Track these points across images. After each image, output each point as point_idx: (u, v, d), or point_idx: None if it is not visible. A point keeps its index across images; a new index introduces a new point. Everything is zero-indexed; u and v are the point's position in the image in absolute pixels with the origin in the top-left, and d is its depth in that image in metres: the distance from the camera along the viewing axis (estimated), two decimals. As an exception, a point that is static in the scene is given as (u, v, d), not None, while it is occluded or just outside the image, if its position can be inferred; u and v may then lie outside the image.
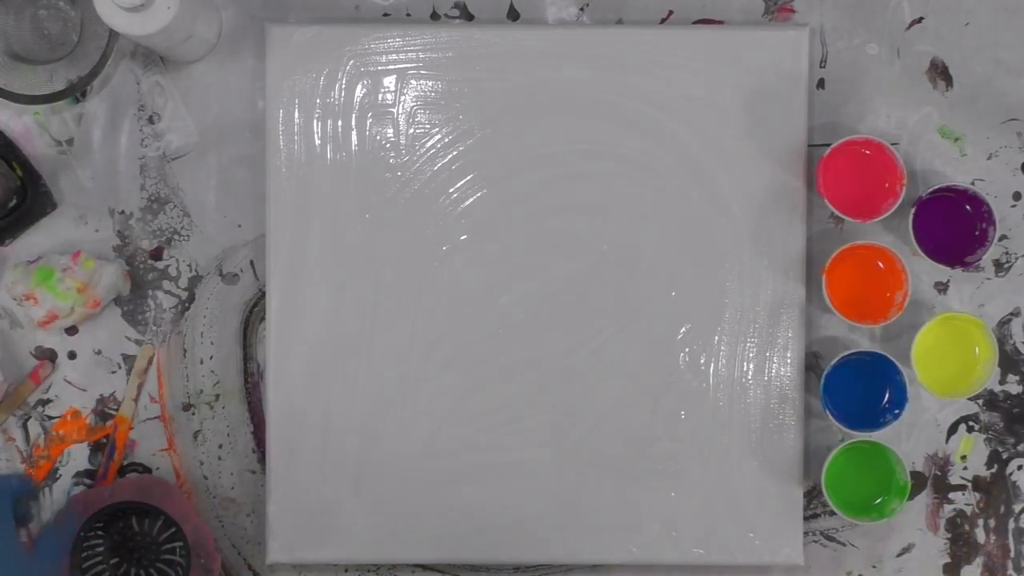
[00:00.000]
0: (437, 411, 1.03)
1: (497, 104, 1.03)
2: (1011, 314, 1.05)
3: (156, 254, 1.05)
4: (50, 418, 1.05)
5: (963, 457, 1.05)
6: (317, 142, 1.03)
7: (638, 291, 1.02)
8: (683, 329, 1.03)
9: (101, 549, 1.03)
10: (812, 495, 1.05)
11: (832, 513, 1.03)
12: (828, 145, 1.01)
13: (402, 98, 1.03)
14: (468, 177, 1.03)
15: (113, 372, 1.05)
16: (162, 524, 1.03)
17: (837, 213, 1.00)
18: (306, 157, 1.03)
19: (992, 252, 1.01)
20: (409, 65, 1.03)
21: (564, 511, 1.03)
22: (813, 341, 1.05)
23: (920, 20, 1.05)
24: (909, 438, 1.05)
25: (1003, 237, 1.05)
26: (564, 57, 1.03)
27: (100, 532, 1.03)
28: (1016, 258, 1.05)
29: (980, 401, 1.05)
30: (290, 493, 1.02)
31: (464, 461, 1.03)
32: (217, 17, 1.04)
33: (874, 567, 1.05)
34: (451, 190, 1.03)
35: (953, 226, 1.02)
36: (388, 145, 1.03)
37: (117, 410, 1.05)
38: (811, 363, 1.04)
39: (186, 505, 1.02)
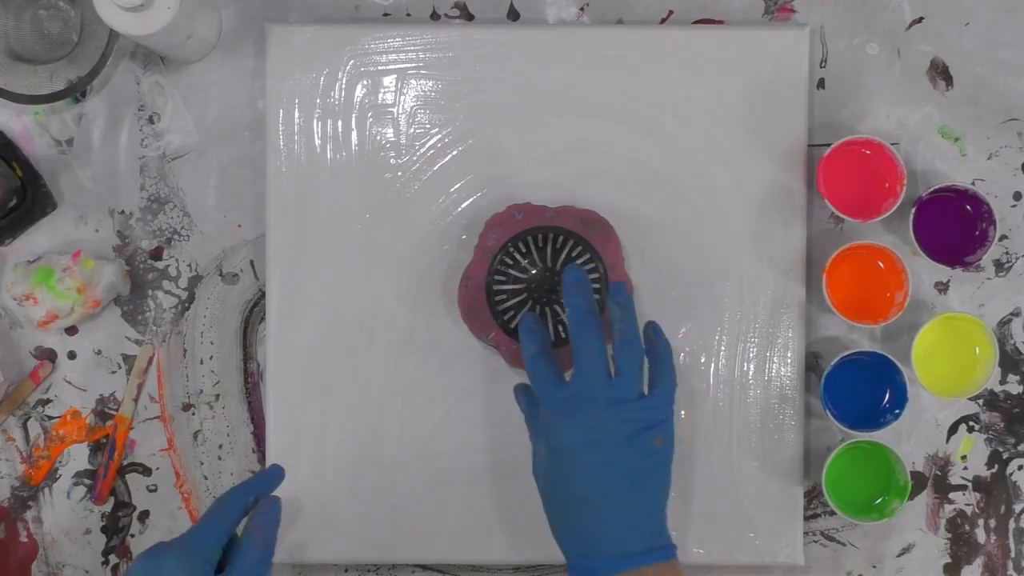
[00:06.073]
0: (437, 411, 1.03)
1: (497, 104, 1.03)
2: (1011, 314, 1.05)
3: (156, 254, 1.05)
4: (50, 418, 1.05)
5: (963, 457, 1.05)
6: (317, 142, 1.03)
7: (638, 291, 1.02)
8: (683, 329, 1.03)
9: (512, 271, 0.99)
10: (812, 495, 1.04)
11: (832, 513, 1.03)
12: (828, 145, 1.01)
13: (402, 98, 1.03)
14: (468, 177, 1.03)
15: (113, 372, 1.05)
16: (587, 263, 0.99)
17: (837, 213, 1.00)
18: (306, 157, 1.03)
19: (992, 252, 1.01)
20: (409, 65, 1.03)
21: (564, 511, 1.03)
22: (813, 341, 1.04)
23: (920, 20, 1.05)
24: (909, 438, 1.05)
25: (1003, 237, 1.05)
26: (564, 57, 1.03)
27: (514, 256, 0.99)
28: (1016, 258, 1.05)
29: (980, 401, 1.05)
30: (290, 493, 1.02)
31: (464, 461, 1.03)
32: (217, 17, 1.04)
33: (874, 567, 1.05)
34: (451, 190, 1.03)
35: (953, 226, 1.01)
36: (388, 145, 1.03)
37: (117, 410, 1.05)
38: (811, 363, 1.04)
39: (617, 252, 1.00)
